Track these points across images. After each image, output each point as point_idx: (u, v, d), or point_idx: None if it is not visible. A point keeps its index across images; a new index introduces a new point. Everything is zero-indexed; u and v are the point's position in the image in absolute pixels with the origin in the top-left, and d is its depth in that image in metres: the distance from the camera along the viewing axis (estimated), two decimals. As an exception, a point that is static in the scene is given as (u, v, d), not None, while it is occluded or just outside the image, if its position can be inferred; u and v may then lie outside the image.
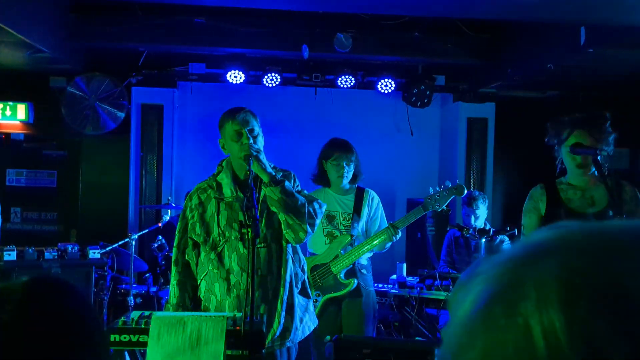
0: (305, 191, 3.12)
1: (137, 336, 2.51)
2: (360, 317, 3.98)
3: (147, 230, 5.37)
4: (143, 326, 2.52)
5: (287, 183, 2.88)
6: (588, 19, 4.42)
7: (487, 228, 4.84)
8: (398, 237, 3.92)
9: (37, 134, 6.74)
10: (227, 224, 2.95)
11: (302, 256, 3.15)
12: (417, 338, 4.35)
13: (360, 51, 5.84)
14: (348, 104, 6.71)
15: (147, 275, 5.24)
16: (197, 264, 3.04)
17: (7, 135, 6.72)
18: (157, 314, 2.59)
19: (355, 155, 4.09)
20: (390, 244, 3.98)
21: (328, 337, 2.79)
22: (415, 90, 6.46)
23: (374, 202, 4.13)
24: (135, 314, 2.66)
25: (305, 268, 3.20)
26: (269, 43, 5.85)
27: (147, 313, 2.67)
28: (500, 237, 4.68)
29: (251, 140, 2.89)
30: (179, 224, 3.10)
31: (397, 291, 4.74)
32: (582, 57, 4.92)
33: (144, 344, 2.46)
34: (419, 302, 4.58)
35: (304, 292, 3.10)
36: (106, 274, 4.98)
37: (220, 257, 2.96)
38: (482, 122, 6.82)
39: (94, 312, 0.94)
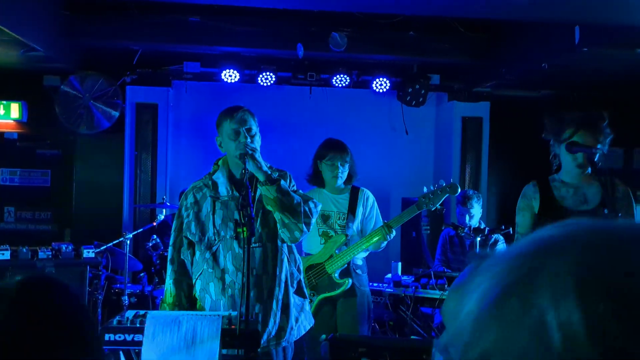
0: (301, 191, 3.12)
1: (132, 335, 2.50)
2: (355, 317, 3.98)
3: (141, 230, 5.35)
4: (138, 325, 2.51)
5: (282, 182, 2.88)
6: (582, 19, 4.43)
7: (482, 227, 4.85)
8: (392, 236, 3.92)
9: (30, 133, 6.71)
10: (223, 223, 2.95)
11: (297, 256, 3.15)
12: (412, 337, 4.35)
13: (355, 50, 5.84)
14: (343, 103, 6.71)
15: (141, 274, 5.22)
16: (192, 263, 3.03)
17: (1, 134, 6.69)
18: (152, 313, 2.58)
19: (350, 155, 4.09)
20: (385, 243, 3.98)
21: (323, 337, 2.79)
22: (410, 90, 6.46)
23: (368, 202, 4.13)
24: (130, 313, 2.66)
25: (301, 268, 3.20)
26: (264, 42, 5.84)
27: (142, 312, 2.66)
28: (494, 236, 4.70)
29: (248, 140, 2.88)
30: (174, 222, 3.10)
31: (392, 290, 4.75)
32: (577, 56, 4.93)
33: (139, 344, 2.46)
34: (414, 301, 4.59)
35: (299, 292, 3.10)
36: (100, 273, 4.96)
37: (215, 257, 2.95)
38: (477, 122, 6.83)
39: (87, 311, 0.94)
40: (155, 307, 4.83)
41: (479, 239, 4.55)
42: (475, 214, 4.97)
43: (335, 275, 3.94)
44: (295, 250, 3.13)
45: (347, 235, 3.99)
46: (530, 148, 5.00)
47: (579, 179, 3.12)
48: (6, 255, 4.45)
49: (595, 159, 3.01)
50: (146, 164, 6.53)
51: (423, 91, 6.47)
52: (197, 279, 3.00)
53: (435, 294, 4.53)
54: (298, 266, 3.13)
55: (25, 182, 6.72)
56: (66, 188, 6.77)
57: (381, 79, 6.40)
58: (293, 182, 3.09)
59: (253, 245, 2.82)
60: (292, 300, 3.01)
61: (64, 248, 4.62)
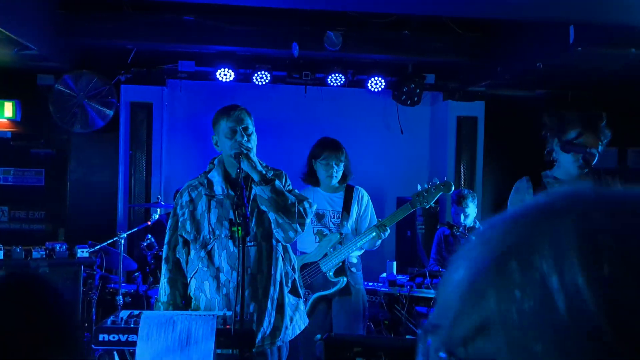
0: (296, 190, 3.12)
1: (126, 335, 2.50)
2: (350, 316, 3.98)
3: (136, 229, 5.34)
4: (132, 325, 2.51)
5: (277, 182, 2.88)
6: (577, 18, 4.44)
7: (477, 226, 4.86)
8: (386, 234, 3.92)
9: (24, 132, 6.67)
10: (218, 221, 2.94)
11: (292, 255, 3.15)
12: (407, 336, 4.35)
13: (350, 49, 5.83)
14: (338, 102, 6.71)
15: (136, 274, 5.21)
16: (187, 262, 3.03)
17: (-6, 133, 6.66)
18: (147, 313, 2.57)
19: (345, 155, 4.08)
20: (379, 241, 3.99)
21: (318, 336, 2.78)
22: (405, 89, 6.47)
23: (363, 200, 4.13)
24: (124, 314, 2.65)
25: (296, 267, 3.20)
26: (259, 41, 5.83)
27: (136, 312, 2.66)
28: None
29: (245, 139, 2.88)
30: (169, 221, 3.09)
31: (387, 289, 4.75)
32: (571, 56, 4.94)
33: (133, 344, 2.45)
34: (409, 300, 4.59)
35: (294, 291, 3.10)
36: (95, 273, 4.94)
37: (210, 255, 2.95)
38: (472, 121, 6.84)
39: (70, 309, 0.93)
40: (150, 307, 4.81)
41: (473, 238, 4.55)
42: (471, 213, 4.97)
43: (330, 273, 3.94)
44: (290, 250, 3.12)
45: (341, 234, 3.99)
46: (525, 147, 5.01)
47: (573, 176, 3.13)
48: None
49: (590, 159, 3.02)
50: (141, 163, 6.51)
51: (418, 90, 6.48)
52: (192, 278, 2.99)
53: (431, 293, 4.53)
54: (293, 265, 3.13)
55: (19, 181, 6.69)
56: (60, 187, 6.75)
57: (376, 78, 6.40)
58: (289, 182, 3.08)
59: (248, 244, 2.82)
60: (286, 299, 3.01)
61: (57, 247, 4.61)
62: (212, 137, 3.04)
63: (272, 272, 2.96)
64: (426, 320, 0.53)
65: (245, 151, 2.83)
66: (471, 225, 4.91)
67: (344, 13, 5.45)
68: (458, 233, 4.73)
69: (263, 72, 6.20)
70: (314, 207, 3.06)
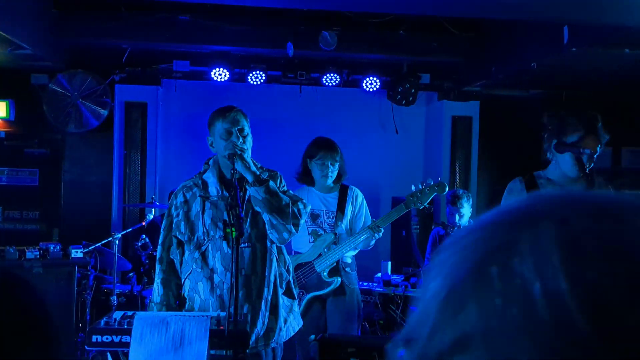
0: (291, 191, 3.11)
1: (119, 337, 2.48)
2: (345, 316, 3.98)
3: (130, 229, 5.33)
4: (126, 326, 2.50)
5: (271, 183, 2.87)
6: (571, 19, 4.45)
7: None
8: (380, 234, 3.92)
9: (18, 132, 6.65)
10: (212, 222, 2.94)
11: (287, 256, 3.14)
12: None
13: (346, 49, 5.84)
14: (333, 102, 6.71)
15: (130, 274, 5.20)
16: (181, 263, 3.02)
17: (-12, 133, 6.64)
18: (140, 314, 2.56)
19: (340, 155, 4.08)
20: (374, 241, 3.98)
21: (312, 337, 2.78)
22: (400, 89, 6.47)
23: (357, 200, 4.13)
24: (117, 314, 2.64)
25: (291, 268, 3.19)
26: (254, 41, 5.83)
27: (129, 313, 2.65)
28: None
29: (240, 140, 2.87)
30: (164, 221, 3.09)
31: (381, 289, 4.75)
32: (565, 56, 4.95)
33: (127, 345, 2.44)
34: (404, 300, 4.59)
35: (288, 293, 3.09)
36: (89, 273, 4.93)
37: (204, 256, 2.94)
38: (467, 121, 6.85)
39: (45, 307, 0.92)
40: (145, 307, 4.80)
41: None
42: (465, 213, 4.98)
43: (325, 274, 3.93)
44: (284, 251, 3.12)
45: (336, 234, 3.98)
46: (519, 147, 5.02)
47: (566, 177, 3.13)
48: (-7, 255, 4.42)
49: (584, 160, 3.03)
50: (135, 163, 6.49)
51: (413, 90, 6.48)
52: (186, 279, 2.99)
53: (425, 293, 4.53)
54: (287, 267, 3.12)
55: (13, 181, 6.66)
56: (54, 187, 6.72)
57: (371, 78, 6.40)
58: (283, 183, 3.08)
59: (242, 245, 2.81)
60: (280, 301, 3.01)
61: (51, 248, 4.59)
62: (208, 138, 3.03)
63: (266, 274, 2.95)
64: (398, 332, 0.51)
65: (239, 152, 2.82)
66: (466, 225, 4.92)
67: (339, 13, 5.45)
68: (453, 233, 4.73)
69: (258, 72, 6.20)
70: (308, 208, 3.06)
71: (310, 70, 6.36)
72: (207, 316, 2.50)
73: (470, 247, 0.48)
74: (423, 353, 0.47)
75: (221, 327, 2.46)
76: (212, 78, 6.19)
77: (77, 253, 4.64)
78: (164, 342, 2.40)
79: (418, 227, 6.12)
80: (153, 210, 5.42)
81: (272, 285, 2.97)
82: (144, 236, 5.18)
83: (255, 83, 6.26)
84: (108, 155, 6.56)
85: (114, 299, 4.73)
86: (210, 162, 3.07)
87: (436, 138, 6.95)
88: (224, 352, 2.51)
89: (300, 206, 2.94)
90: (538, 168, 3.28)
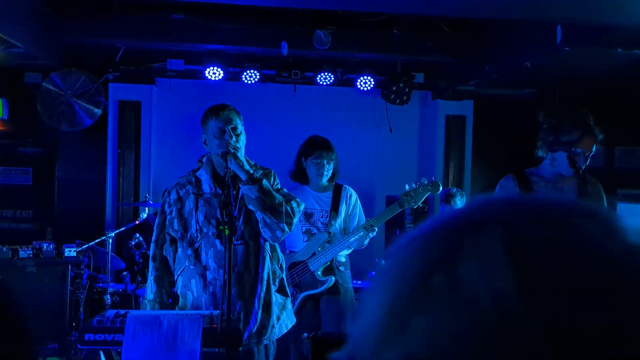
0: (285, 189, 3.12)
1: (112, 335, 2.48)
2: (339, 314, 3.98)
3: (124, 228, 5.32)
4: (119, 325, 2.50)
5: (264, 182, 2.88)
6: (564, 18, 4.47)
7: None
8: (374, 234, 3.93)
9: (11, 131, 6.62)
10: (205, 220, 2.94)
11: (280, 254, 3.15)
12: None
13: (340, 48, 5.83)
14: (327, 101, 6.71)
15: (124, 273, 5.18)
16: (174, 260, 3.02)
17: (-19, 131, 6.61)
18: (133, 312, 2.56)
19: (335, 154, 4.09)
20: (367, 240, 3.99)
21: (305, 335, 2.78)
22: (394, 88, 6.48)
23: (351, 200, 4.14)
24: (110, 313, 2.64)
25: (284, 266, 3.20)
26: (248, 40, 5.82)
27: (122, 312, 2.65)
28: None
29: (233, 139, 2.88)
30: (157, 219, 3.09)
31: (375, 288, 4.75)
32: (559, 55, 4.96)
33: (120, 343, 2.44)
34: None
35: (281, 290, 3.10)
36: (82, 272, 4.92)
37: (197, 254, 2.95)
38: (461, 120, 6.86)
39: (14, 304, 0.91)
40: (139, 306, 4.80)
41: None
42: (459, 212, 4.99)
43: (318, 272, 3.94)
44: (278, 249, 3.12)
45: (330, 233, 3.99)
46: (513, 146, 5.04)
47: (558, 175, 3.15)
48: (-14, 254, 4.41)
49: (576, 158, 3.05)
50: (129, 162, 6.48)
51: (407, 89, 6.49)
52: (179, 276, 2.99)
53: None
54: (281, 264, 3.13)
55: (6, 180, 6.63)
56: (48, 186, 6.70)
57: (365, 77, 6.40)
58: (277, 181, 3.09)
59: (235, 242, 2.81)
60: (273, 298, 3.01)
61: (45, 247, 4.59)
62: (201, 136, 3.04)
63: (259, 271, 2.96)
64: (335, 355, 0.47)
65: (232, 150, 2.83)
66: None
67: (333, 12, 5.45)
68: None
69: (252, 71, 6.19)
70: (302, 206, 3.06)
71: (304, 70, 6.36)
72: (200, 314, 2.50)
73: (412, 257, 0.45)
74: None
75: (214, 325, 2.46)
76: (207, 77, 6.18)
77: (70, 252, 4.63)
78: (157, 341, 2.40)
79: (412, 225, 6.13)
80: (147, 209, 5.40)
81: (265, 282, 2.97)
82: (137, 235, 5.17)
83: (249, 82, 6.25)
84: (102, 154, 6.54)
85: (108, 298, 4.73)
86: (204, 159, 3.08)
87: (430, 137, 6.96)
88: (217, 349, 2.51)
89: (294, 204, 2.94)
90: (531, 167, 3.29)
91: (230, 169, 2.81)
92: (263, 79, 6.32)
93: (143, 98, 6.52)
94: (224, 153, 2.83)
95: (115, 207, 6.42)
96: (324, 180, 4.06)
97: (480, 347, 0.40)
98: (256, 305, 2.93)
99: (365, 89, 6.48)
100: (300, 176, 4.13)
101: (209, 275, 2.92)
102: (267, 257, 3.00)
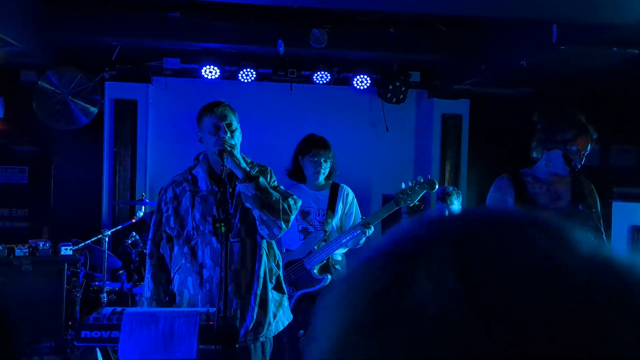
0: (282, 187, 3.12)
1: (109, 332, 2.48)
2: (335, 312, 3.99)
3: (120, 227, 5.31)
4: (115, 322, 2.50)
5: (261, 179, 2.88)
6: (560, 17, 4.48)
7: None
8: (371, 232, 3.94)
9: (7, 130, 6.61)
10: (202, 217, 2.95)
11: (277, 251, 3.15)
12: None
13: (336, 47, 5.84)
14: (323, 100, 6.71)
15: (120, 272, 5.18)
16: (170, 258, 3.03)
17: (-23, 130, 6.59)
18: (129, 309, 2.56)
19: (332, 152, 4.10)
20: (364, 239, 4.00)
21: (302, 332, 2.79)
22: (390, 87, 6.48)
23: (348, 198, 4.14)
24: (107, 310, 2.64)
25: (281, 263, 3.20)
26: (245, 38, 5.82)
27: (119, 309, 2.64)
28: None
29: (228, 135, 2.88)
30: (154, 217, 3.10)
31: (372, 286, 4.76)
32: (555, 54, 4.98)
33: (116, 340, 2.44)
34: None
35: (278, 288, 3.10)
36: (79, 271, 4.91)
37: (193, 251, 2.95)
38: (457, 119, 6.88)
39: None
40: (135, 304, 4.79)
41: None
42: (455, 210, 5.00)
43: (315, 271, 3.94)
44: (275, 246, 3.13)
45: (326, 232, 3.99)
46: (509, 145, 5.05)
47: (552, 175, 3.16)
48: (-18, 252, 4.40)
49: (572, 158, 3.05)
50: (125, 160, 6.47)
51: (403, 88, 6.50)
52: (175, 274, 3.00)
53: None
54: (277, 262, 3.13)
55: (2, 179, 6.62)
56: (44, 185, 6.69)
57: (362, 76, 6.41)
58: (274, 178, 3.09)
59: (231, 240, 2.82)
60: (270, 295, 3.02)
61: (41, 245, 4.58)
62: (197, 134, 3.04)
63: (256, 268, 2.96)
64: None
65: (229, 148, 2.83)
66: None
67: (330, 10, 5.45)
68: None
69: (249, 70, 6.19)
70: (299, 204, 3.07)
71: (300, 68, 6.36)
72: (196, 312, 2.50)
73: (360, 285, 0.44)
74: None
75: (210, 323, 2.47)
76: (203, 75, 6.18)
77: (66, 250, 4.62)
78: (154, 338, 2.41)
79: (408, 224, 6.14)
80: (143, 207, 5.40)
81: (261, 280, 2.97)
82: (134, 233, 5.17)
83: (245, 81, 6.26)
84: (98, 153, 6.54)
85: (104, 297, 4.72)
86: (200, 157, 3.08)
87: (426, 136, 6.97)
88: (213, 347, 2.51)
89: (291, 202, 2.95)
90: (527, 166, 3.30)
91: (226, 166, 2.81)
92: (259, 77, 6.32)
93: (139, 97, 6.51)
94: (220, 151, 2.83)
95: (111, 205, 6.41)
96: (321, 178, 4.07)
97: None
98: (252, 302, 2.93)
99: (361, 87, 6.48)
100: (297, 174, 4.13)
101: (206, 273, 2.92)
102: (264, 255, 3.00)
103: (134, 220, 5.32)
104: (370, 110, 6.88)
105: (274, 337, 3.08)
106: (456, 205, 5.01)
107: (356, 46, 6.00)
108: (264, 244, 3.01)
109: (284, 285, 3.17)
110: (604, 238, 2.81)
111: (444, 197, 4.98)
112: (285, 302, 3.16)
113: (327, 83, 6.41)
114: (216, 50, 6.09)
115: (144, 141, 6.55)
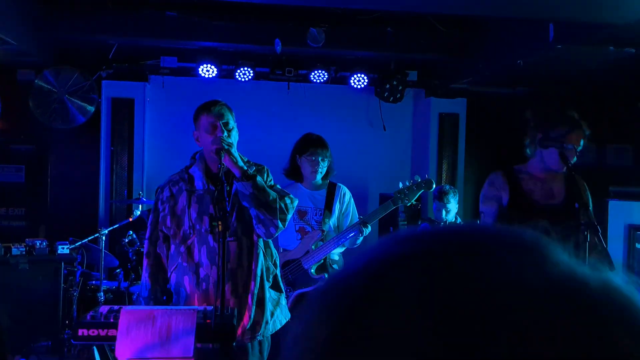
0: (278, 186, 3.12)
1: (106, 330, 2.48)
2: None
3: (117, 226, 5.31)
4: (112, 320, 2.50)
5: (259, 178, 2.88)
6: (557, 16, 4.49)
7: (458, 222, 4.89)
8: (368, 231, 3.94)
9: (4, 128, 6.60)
10: (198, 216, 2.95)
11: (274, 250, 3.15)
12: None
13: (333, 46, 5.84)
14: (321, 99, 6.72)
15: (117, 270, 5.18)
16: (167, 257, 3.03)
17: (-27, 129, 6.58)
18: (127, 308, 2.56)
19: (329, 151, 4.10)
20: (361, 238, 4.00)
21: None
22: (387, 86, 6.49)
23: (345, 198, 4.15)
24: (104, 309, 2.63)
25: (278, 262, 3.20)
26: (242, 37, 5.82)
27: (116, 307, 2.64)
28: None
29: (225, 134, 2.88)
30: (151, 216, 3.09)
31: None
32: (551, 53, 4.99)
33: (113, 339, 2.44)
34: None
35: (275, 286, 3.11)
36: (76, 269, 4.91)
37: (190, 250, 2.95)
38: (454, 118, 6.89)
39: None
40: (132, 303, 4.79)
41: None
42: (452, 209, 5.01)
43: (312, 271, 3.95)
44: (271, 245, 3.13)
45: (323, 231, 4.00)
46: (506, 144, 5.05)
47: (548, 172, 3.16)
48: (-22, 251, 4.40)
49: (567, 155, 3.06)
50: (122, 159, 6.47)
51: (400, 87, 6.51)
52: (172, 273, 2.99)
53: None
54: (274, 260, 3.13)
55: (-1, 177, 6.61)
56: (41, 184, 6.68)
57: (359, 75, 6.41)
58: (270, 177, 3.09)
59: (228, 239, 2.82)
60: (267, 294, 3.02)
61: (37, 244, 4.58)
62: (194, 133, 3.04)
63: (253, 267, 2.96)
64: None
65: (226, 147, 2.83)
66: (452, 220, 4.95)
67: (327, 10, 5.46)
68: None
69: (246, 69, 6.19)
70: (296, 203, 3.07)
71: (298, 67, 6.37)
72: (193, 310, 2.50)
73: (329, 306, 0.44)
74: None
75: (208, 321, 2.47)
76: (200, 74, 6.18)
77: (63, 249, 4.62)
78: (151, 336, 2.41)
79: (405, 222, 6.15)
80: (140, 206, 5.39)
81: (258, 279, 2.98)
82: (131, 232, 5.16)
83: (243, 79, 6.26)
84: (95, 152, 6.53)
85: (101, 296, 4.72)
86: (197, 156, 3.08)
87: (423, 135, 6.98)
88: (211, 345, 2.51)
89: (288, 201, 2.95)
90: (522, 164, 3.31)
91: (224, 165, 2.81)
92: (257, 76, 6.33)
93: (136, 95, 6.51)
94: (217, 149, 2.83)
95: (108, 204, 6.41)
96: (318, 177, 4.07)
97: None
98: (250, 301, 2.94)
99: (358, 86, 6.49)
100: (294, 173, 4.13)
101: (202, 272, 2.92)
102: (261, 254, 3.01)
103: (130, 219, 5.31)
104: (367, 109, 6.89)
105: (272, 335, 3.09)
106: (452, 204, 5.02)
107: (353, 45, 6.00)
108: (261, 242, 3.01)
109: (281, 284, 3.17)
110: (600, 236, 2.81)
111: (440, 195, 4.99)
112: (283, 301, 3.16)
113: (325, 82, 6.41)
114: (213, 49, 6.09)
115: (141, 140, 6.54)
